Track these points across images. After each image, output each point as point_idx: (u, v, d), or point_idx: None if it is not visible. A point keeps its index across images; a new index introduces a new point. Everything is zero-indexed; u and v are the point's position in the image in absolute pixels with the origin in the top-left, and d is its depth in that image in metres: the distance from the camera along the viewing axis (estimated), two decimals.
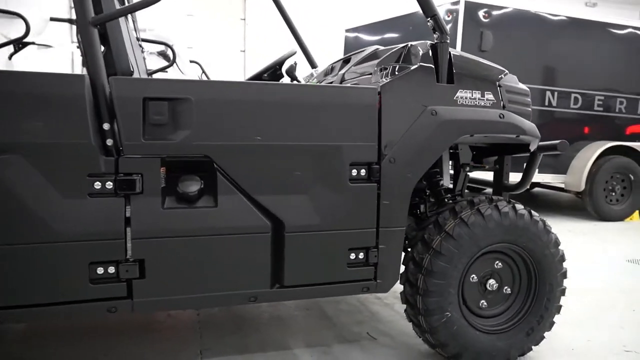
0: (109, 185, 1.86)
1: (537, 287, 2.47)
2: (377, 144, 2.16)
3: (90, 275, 1.86)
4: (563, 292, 2.52)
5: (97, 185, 1.85)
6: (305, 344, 2.72)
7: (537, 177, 6.48)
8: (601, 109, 6.81)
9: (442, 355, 2.43)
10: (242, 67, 13.51)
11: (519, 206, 2.40)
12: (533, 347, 2.52)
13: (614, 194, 6.71)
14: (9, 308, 1.82)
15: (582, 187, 6.48)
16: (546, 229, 2.42)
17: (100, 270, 1.88)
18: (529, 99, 2.55)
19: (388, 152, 2.17)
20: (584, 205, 6.74)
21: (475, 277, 2.39)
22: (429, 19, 2.23)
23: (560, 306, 2.53)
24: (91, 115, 1.81)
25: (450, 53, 2.30)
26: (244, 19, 13.96)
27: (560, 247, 2.48)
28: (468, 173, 2.80)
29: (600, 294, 3.73)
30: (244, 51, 13.80)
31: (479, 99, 2.32)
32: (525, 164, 2.71)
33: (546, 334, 2.54)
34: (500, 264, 2.44)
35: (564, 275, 2.51)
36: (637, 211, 6.89)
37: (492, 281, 2.43)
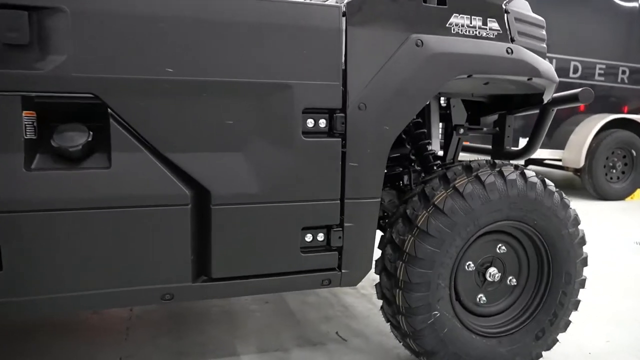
0: None
1: (551, 277, 1.96)
2: (341, 83, 1.58)
3: None
4: (583, 284, 1.98)
5: None
6: (257, 348, 2.18)
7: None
8: (602, 79, 6.29)
9: None
10: None
11: (530, 173, 1.85)
12: (543, 352, 1.99)
13: (614, 171, 6.24)
14: None
15: (581, 163, 6.00)
16: (564, 203, 1.89)
17: None
18: (545, 32, 1.98)
19: (357, 96, 1.59)
20: (583, 184, 6.26)
21: (472, 265, 1.91)
22: None
23: (579, 301, 1.99)
24: None
25: None
26: None
27: (580, 227, 1.94)
28: (462, 137, 2.26)
29: (612, 282, 3.24)
30: None
31: (479, 27, 1.76)
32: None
33: (560, 335, 2.01)
34: (504, 247, 1.95)
35: (585, 262, 1.97)
36: (638, 189, 6.43)
37: (493, 270, 1.94)
